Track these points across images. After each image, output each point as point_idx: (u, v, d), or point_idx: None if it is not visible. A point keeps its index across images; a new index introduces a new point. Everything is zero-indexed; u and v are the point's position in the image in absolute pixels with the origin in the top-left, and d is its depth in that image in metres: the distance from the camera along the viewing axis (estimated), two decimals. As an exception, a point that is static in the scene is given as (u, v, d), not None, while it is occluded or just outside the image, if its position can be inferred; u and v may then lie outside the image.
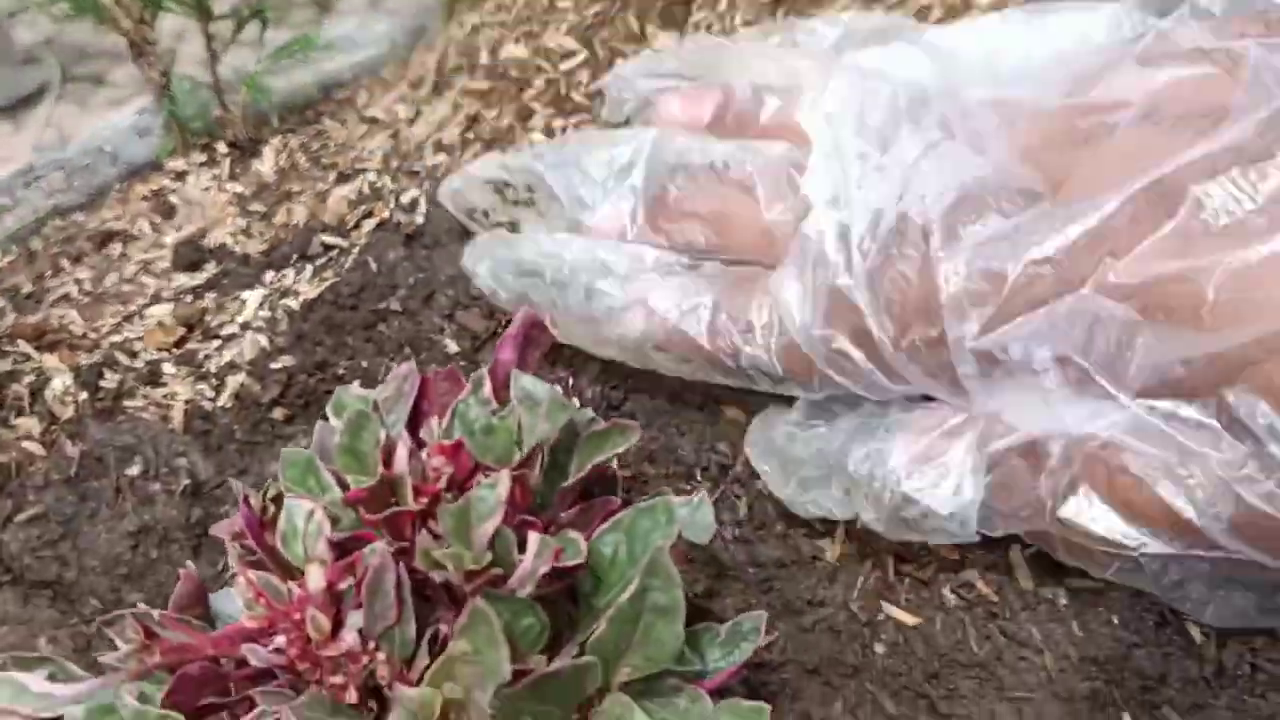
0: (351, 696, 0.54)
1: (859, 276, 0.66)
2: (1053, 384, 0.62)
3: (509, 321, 0.78)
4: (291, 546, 0.57)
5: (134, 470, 0.96)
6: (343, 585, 0.55)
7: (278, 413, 0.96)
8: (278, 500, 0.62)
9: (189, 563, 0.65)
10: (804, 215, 0.72)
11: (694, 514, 0.59)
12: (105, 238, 1.25)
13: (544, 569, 0.52)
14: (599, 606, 0.57)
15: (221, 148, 1.29)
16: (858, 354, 0.67)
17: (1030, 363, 0.62)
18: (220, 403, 0.97)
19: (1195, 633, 0.66)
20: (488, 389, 0.62)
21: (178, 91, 1.27)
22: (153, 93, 1.28)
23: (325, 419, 0.68)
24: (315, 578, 0.55)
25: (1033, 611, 0.70)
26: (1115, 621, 0.67)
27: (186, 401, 0.98)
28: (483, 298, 0.93)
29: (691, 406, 0.84)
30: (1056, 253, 0.60)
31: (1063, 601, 0.69)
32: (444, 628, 0.55)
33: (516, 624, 0.55)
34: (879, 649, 0.73)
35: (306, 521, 0.57)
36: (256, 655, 0.55)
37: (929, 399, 0.71)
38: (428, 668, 0.53)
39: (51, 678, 0.54)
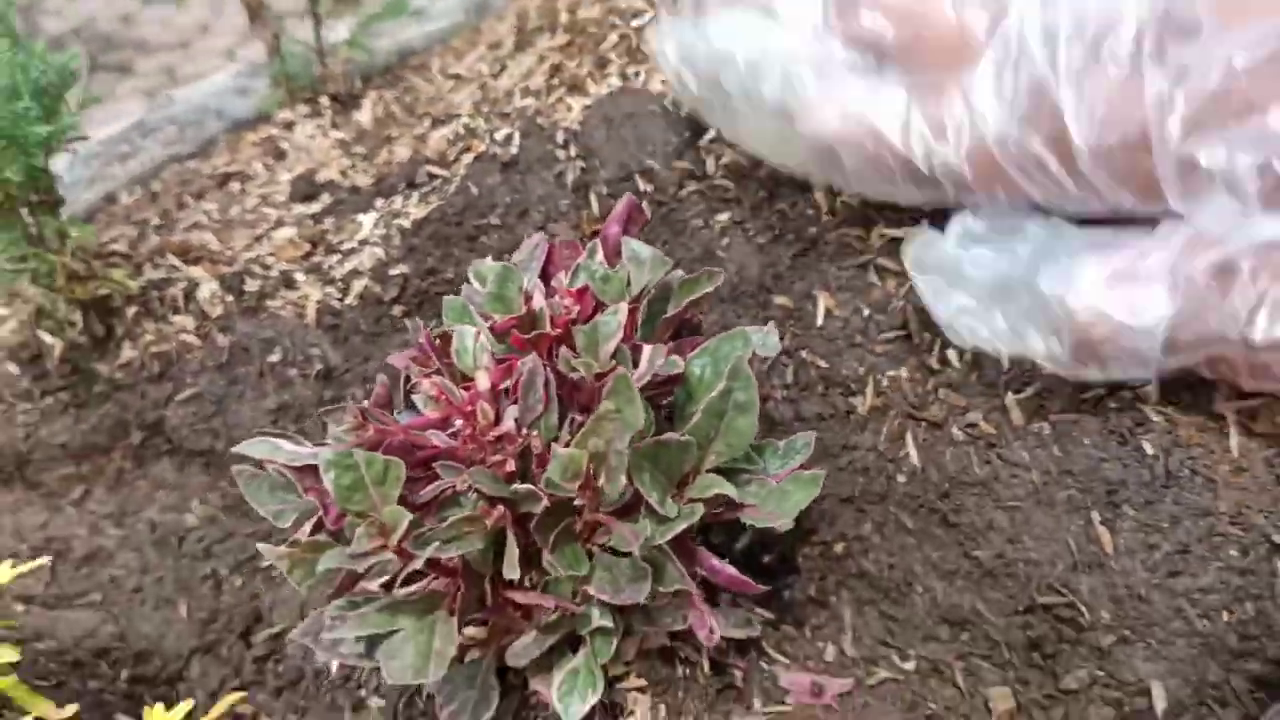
0: (510, 467, 0.72)
1: (1064, 75, 0.68)
2: (1251, 190, 0.65)
3: (595, 232, 0.96)
4: (463, 360, 0.75)
5: (275, 358, 1.15)
6: (502, 386, 0.74)
7: (396, 309, 1.15)
8: (442, 337, 0.80)
9: (380, 375, 0.83)
10: (998, 16, 0.73)
11: (764, 339, 0.77)
12: (224, 178, 1.44)
13: (658, 363, 0.71)
14: (692, 413, 0.75)
15: (324, 101, 1.48)
16: (1051, 158, 0.69)
17: (1232, 168, 0.65)
18: (347, 302, 1.16)
19: (1148, 448, 0.84)
20: (601, 253, 0.81)
21: (286, 52, 1.46)
22: (266, 52, 1.47)
23: (457, 294, 0.86)
24: (482, 380, 0.74)
25: (1023, 440, 0.88)
26: (1087, 443, 0.85)
27: (318, 301, 1.16)
28: (570, 212, 1.12)
29: (746, 296, 1.03)
30: (1255, 65, 0.63)
31: (1047, 432, 0.87)
32: (578, 417, 0.74)
33: (632, 417, 0.73)
34: (900, 479, 0.92)
35: (474, 342, 0.75)
36: (439, 438, 0.73)
37: (1104, 222, 0.75)
38: (568, 444, 0.72)
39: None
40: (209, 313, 1.18)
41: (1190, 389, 0.86)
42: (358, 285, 1.16)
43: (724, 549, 0.91)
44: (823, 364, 0.97)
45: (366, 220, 1.22)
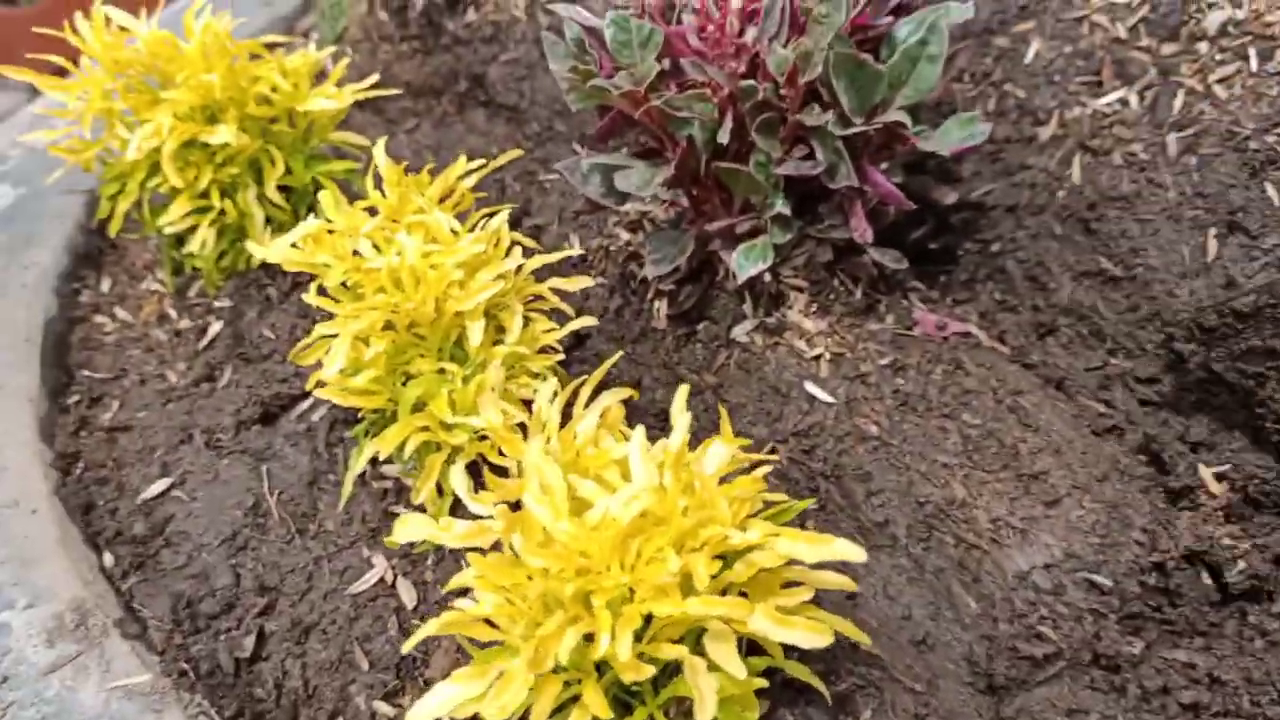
0: (740, 69, 0.95)
1: None
2: None
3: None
4: (723, -13, 0.98)
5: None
6: (750, 8, 0.96)
7: None
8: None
9: None
10: None
11: (964, 8, 0.96)
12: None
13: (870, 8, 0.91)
14: (890, 57, 0.95)
15: None
16: None
17: None
18: None
19: (1270, 189, 0.97)
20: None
21: None
22: None
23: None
24: (736, 2, 0.96)
25: (1170, 168, 1.02)
26: (1223, 173, 0.99)
27: None
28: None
29: (973, 35, 1.20)
30: None
31: (1193, 163, 1.02)
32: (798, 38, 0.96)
33: (842, 51, 0.94)
34: (1060, 195, 1.08)
35: (736, -25, 0.98)
36: (696, 38, 0.97)
37: None
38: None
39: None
40: (519, 3, 1.46)
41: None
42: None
43: (903, 232, 1.11)
44: (1020, 94, 1.14)
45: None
